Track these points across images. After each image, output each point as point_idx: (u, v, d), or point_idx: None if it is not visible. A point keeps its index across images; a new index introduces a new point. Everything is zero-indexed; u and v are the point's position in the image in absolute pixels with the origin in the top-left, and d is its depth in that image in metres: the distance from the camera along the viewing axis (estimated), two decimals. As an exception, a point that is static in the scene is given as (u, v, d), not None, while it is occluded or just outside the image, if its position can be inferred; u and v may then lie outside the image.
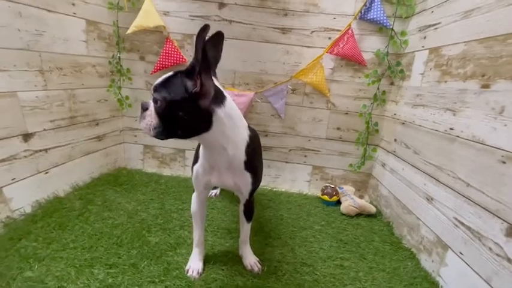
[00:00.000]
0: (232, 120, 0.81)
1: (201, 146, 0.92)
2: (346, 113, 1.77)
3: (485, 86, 0.97)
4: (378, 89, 1.67)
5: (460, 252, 0.98)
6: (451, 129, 1.12)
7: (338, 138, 1.81)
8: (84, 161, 1.63)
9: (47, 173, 1.38)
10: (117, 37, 1.70)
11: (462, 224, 0.99)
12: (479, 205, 0.93)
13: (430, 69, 1.30)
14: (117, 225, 1.25)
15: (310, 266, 1.12)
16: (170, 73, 0.76)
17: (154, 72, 1.75)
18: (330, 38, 1.67)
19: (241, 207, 1.06)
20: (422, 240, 1.20)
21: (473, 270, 0.91)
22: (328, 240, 1.32)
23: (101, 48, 1.66)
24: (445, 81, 1.19)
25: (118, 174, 1.82)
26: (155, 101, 0.73)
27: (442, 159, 1.15)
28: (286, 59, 1.72)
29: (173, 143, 1.93)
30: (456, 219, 1.02)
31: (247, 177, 0.91)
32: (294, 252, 1.20)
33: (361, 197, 1.84)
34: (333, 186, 1.75)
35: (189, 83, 0.72)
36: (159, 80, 0.76)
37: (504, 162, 0.86)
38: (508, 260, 0.80)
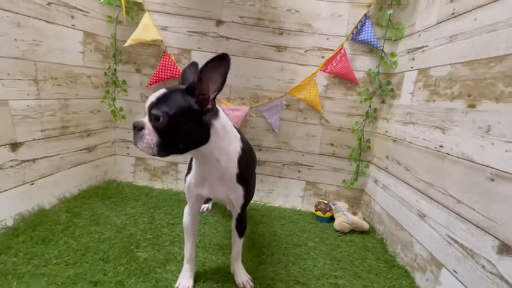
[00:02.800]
0: (225, 131, 0.82)
1: (193, 158, 0.92)
2: (339, 129, 1.80)
3: (472, 106, 1.01)
4: (370, 106, 1.72)
5: (454, 271, 0.97)
6: (441, 146, 1.15)
7: (331, 154, 1.83)
8: (72, 173, 1.59)
9: (33, 184, 1.34)
10: (114, 49, 1.71)
11: (455, 241, 0.99)
12: (470, 222, 0.94)
13: (419, 88, 1.35)
14: (104, 240, 1.20)
15: (303, 284, 1.09)
16: (163, 90, 0.77)
17: (150, 84, 1.76)
18: (323, 57, 1.72)
19: (234, 222, 1.04)
20: (416, 258, 1.19)
21: (468, 288, 0.91)
22: (322, 257, 1.29)
23: (97, 59, 1.67)
24: (434, 101, 1.23)
25: (107, 187, 1.77)
26: (156, 117, 0.73)
27: (433, 176, 1.17)
28: (281, 76, 1.76)
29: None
30: (449, 236, 1.03)
31: (240, 190, 0.91)
32: (287, 270, 1.17)
33: (354, 213, 1.83)
34: (326, 202, 1.74)
35: (192, 100, 0.74)
36: (154, 97, 0.75)
37: (493, 180, 0.88)
38: (501, 278, 0.80)
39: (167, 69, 1.72)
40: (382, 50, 1.63)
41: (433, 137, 1.21)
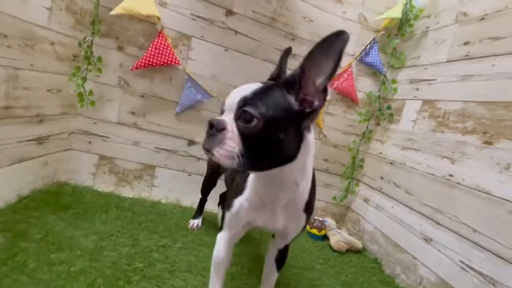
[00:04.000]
0: (311, 149, 0.66)
1: (253, 177, 0.72)
2: (335, 146, 1.80)
3: (488, 143, 1.11)
4: (367, 127, 1.77)
5: (471, 296, 1.03)
6: (450, 175, 1.23)
7: (325, 170, 1.81)
8: (12, 171, 1.13)
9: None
10: (95, 15, 1.32)
11: (471, 268, 1.05)
12: (490, 251, 1.01)
13: (424, 118, 1.44)
14: (77, 275, 0.86)
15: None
16: (258, 84, 0.60)
17: (136, 68, 1.42)
18: (330, 72, 1.70)
19: (273, 253, 0.87)
20: (422, 281, 1.24)
21: (488, 315, 0.96)
22: (333, 282, 1.23)
23: (67, 23, 1.26)
24: (442, 132, 1.32)
25: (59, 192, 1.34)
26: (248, 117, 0.54)
27: (441, 203, 1.24)
28: (288, 84, 1.66)
29: (140, 155, 1.56)
30: (463, 262, 1.09)
31: (303, 219, 0.76)
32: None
33: (338, 229, 1.84)
34: (321, 219, 1.70)
35: (292, 99, 0.58)
36: (248, 90, 0.57)
37: (514, 213, 0.96)
38: (529, 307, 0.86)
39: (161, 54, 1.42)
40: (385, 75, 1.70)
41: (439, 166, 1.29)
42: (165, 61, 1.44)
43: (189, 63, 1.52)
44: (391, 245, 1.46)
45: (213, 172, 1.28)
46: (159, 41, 1.42)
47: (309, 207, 0.75)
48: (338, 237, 1.57)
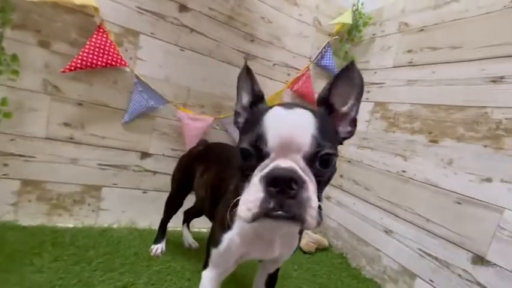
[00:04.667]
0: None
1: None
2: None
3: (434, 141, 1.25)
4: (325, 128, 1.84)
5: (430, 280, 1.16)
6: (404, 171, 1.36)
7: (288, 172, 1.82)
8: None
9: None
10: (2, 0, 1.00)
11: (428, 254, 1.18)
12: (442, 238, 1.14)
13: (376, 119, 1.57)
14: None
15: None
16: (305, 110, 0.51)
17: (70, 70, 1.15)
18: (289, 75, 1.70)
19: (263, 279, 0.81)
20: (386, 270, 1.35)
21: (445, 294, 1.09)
22: (311, 287, 1.23)
23: (-42, 9, 0.92)
24: (393, 132, 1.45)
25: (-37, 237, 1.00)
26: (327, 162, 0.48)
27: (397, 197, 1.36)
28: (249, 87, 1.59)
29: (79, 175, 1.29)
30: (420, 250, 1.22)
31: (296, 242, 0.72)
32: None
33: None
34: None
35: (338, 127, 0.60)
36: (308, 124, 0.48)
37: (459, 203, 1.11)
38: (478, 284, 1.01)
39: (101, 53, 1.18)
40: (339, 78, 1.78)
41: (393, 163, 1.42)
42: (108, 62, 1.20)
43: (137, 64, 1.31)
44: (355, 240, 1.56)
45: (181, 190, 1.13)
46: (99, 37, 1.17)
47: (301, 230, 0.71)
48: (307, 239, 1.60)
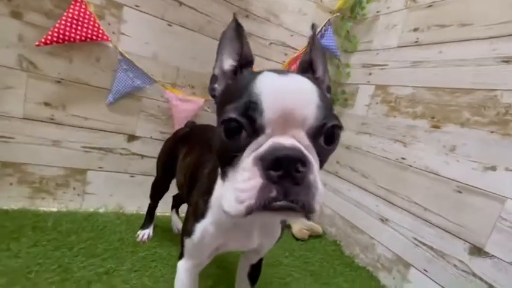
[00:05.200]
0: None
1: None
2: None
3: (436, 127, 1.18)
4: (323, 112, 1.76)
5: (424, 269, 1.12)
6: (403, 158, 1.29)
7: (283, 158, 1.76)
8: None
9: None
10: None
11: (423, 243, 1.14)
12: (439, 227, 1.10)
13: (377, 103, 1.48)
14: None
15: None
16: (304, 79, 0.43)
17: (45, 44, 1.06)
18: (286, 54, 1.60)
19: (246, 269, 0.77)
20: (379, 259, 1.32)
21: (440, 285, 1.06)
22: (302, 275, 1.20)
23: None
24: (394, 116, 1.37)
25: None
26: (333, 137, 0.41)
27: (395, 184, 1.31)
28: (243, 67, 1.50)
29: (63, 158, 1.23)
30: (416, 239, 1.17)
31: (279, 229, 0.66)
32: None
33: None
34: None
35: None
36: (311, 94, 0.40)
37: (460, 192, 1.05)
38: (474, 275, 0.97)
39: (80, 26, 1.09)
40: (339, 59, 1.68)
41: (393, 149, 1.35)
42: (87, 36, 1.11)
43: (122, 39, 1.21)
44: (349, 227, 1.52)
45: (166, 174, 1.07)
46: (77, 8, 1.08)
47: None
48: (300, 225, 1.56)
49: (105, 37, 1.14)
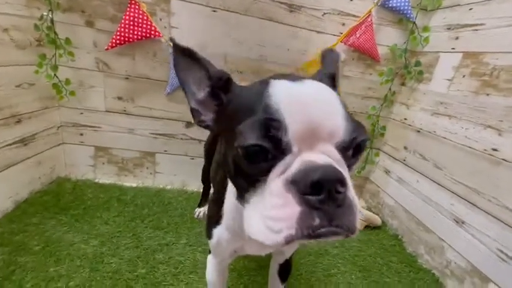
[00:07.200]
0: None
1: (235, 204, 0.56)
2: (352, 113, 1.57)
3: (552, 109, 0.86)
4: (390, 89, 1.50)
5: (509, 289, 0.91)
6: (494, 150, 1.01)
7: (340, 141, 1.62)
8: (2, 179, 1.07)
9: None
10: (47, -14, 1.09)
11: (511, 258, 0.91)
12: (538, 243, 0.85)
13: (464, 76, 1.16)
14: (75, 289, 0.83)
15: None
16: (324, 86, 0.40)
17: (112, 47, 1.22)
18: (344, 24, 1.39)
19: (275, 267, 0.77)
20: (449, 265, 1.13)
21: (528, 312, 0.85)
22: (349, 268, 1.15)
23: (16, 1, 1.04)
24: (488, 94, 1.06)
25: (59, 191, 1.29)
26: (361, 150, 0.39)
27: (480, 181, 1.05)
28: (292, 45, 1.39)
29: (137, 143, 1.46)
30: (502, 251, 0.94)
31: None
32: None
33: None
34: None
35: None
36: (336, 104, 0.38)
37: None
38: None
39: (137, 26, 1.19)
40: (414, 22, 1.36)
41: (481, 137, 1.06)
42: (144, 34, 1.21)
43: (172, 32, 1.28)
44: (414, 222, 1.34)
45: (210, 161, 1.14)
46: (132, 10, 1.18)
47: None
48: (355, 215, 1.46)
49: (157, 33, 1.23)
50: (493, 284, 0.96)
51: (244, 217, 0.39)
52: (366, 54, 1.44)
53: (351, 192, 0.34)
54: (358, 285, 1.07)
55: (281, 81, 0.37)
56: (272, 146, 0.34)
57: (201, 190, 1.39)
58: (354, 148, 0.37)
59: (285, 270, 0.78)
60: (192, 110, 0.48)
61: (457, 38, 1.21)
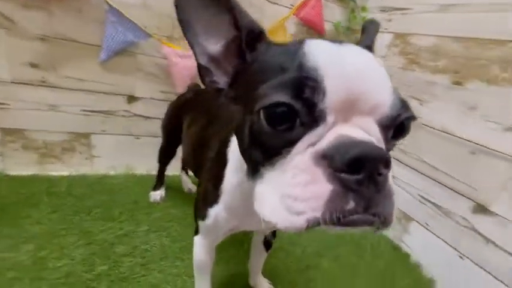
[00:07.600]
0: None
1: (237, 182, 0.51)
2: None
3: (458, 83, 1.09)
4: (333, 64, 1.63)
5: (426, 223, 1.18)
6: (418, 117, 1.24)
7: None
8: None
9: None
10: None
11: (428, 201, 1.18)
12: (447, 187, 1.11)
13: (394, 54, 1.35)
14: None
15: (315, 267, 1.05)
16: (369, 53, 0.34)
17: (18, -6, 0.91)
18: (295, -4, 1.40)
19: (260, 238, 0.79)
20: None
21: (438, 237, 1.13)
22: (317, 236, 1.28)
23: None
24: (413, 70, 1.27)
25: (-48, 191, 0.96)
26: (406, 129, 0.35)
27: (405, 143, 1.28)
28: (246, 14, 1.32)
29: (63, 123, 1.19)
30: (422, 196, 1.21)
31: None
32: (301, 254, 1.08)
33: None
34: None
35: None
36: (383, 75, 0.32)
37: (474, 153, 1.03)
38: (474, 229, 1.02)
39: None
40: (355, 1, 1.48)
41: (407, 106, 1.28)
42: (65, -19, 0.94)
43: (103, -16, 1.04)
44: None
45: (171, 142, 1.04)
46: None
47: None
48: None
49: None
50: (414, 222, 1.23)
51: (255, 195, 0.34)
52: (312, 28, 1.50)
53: (390, 180, 0.30)
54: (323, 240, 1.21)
55: (319, 41, 0.33)
56: (304, 109, 0.28)
57: (154, 172, 1.26)
58: (397, 128, 0.33)
59: (270, 241, 0.81)
60: (200, 68, 0.39)
61: (390, 20, 1.38)
